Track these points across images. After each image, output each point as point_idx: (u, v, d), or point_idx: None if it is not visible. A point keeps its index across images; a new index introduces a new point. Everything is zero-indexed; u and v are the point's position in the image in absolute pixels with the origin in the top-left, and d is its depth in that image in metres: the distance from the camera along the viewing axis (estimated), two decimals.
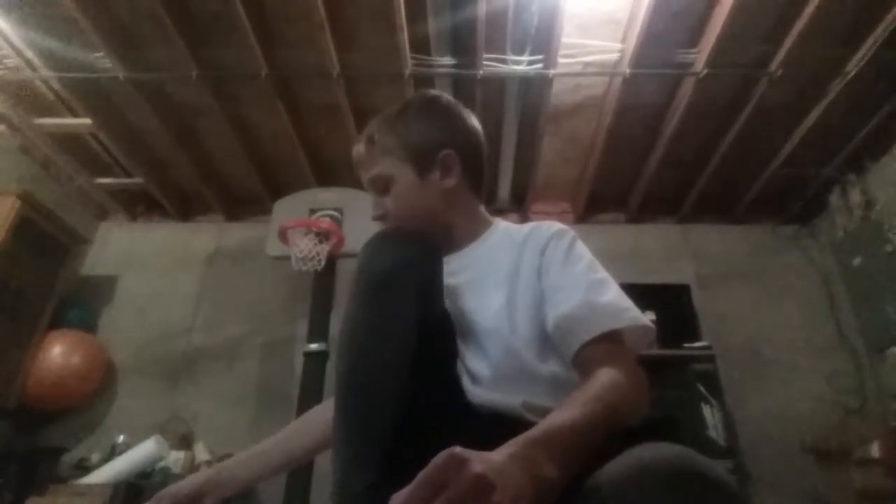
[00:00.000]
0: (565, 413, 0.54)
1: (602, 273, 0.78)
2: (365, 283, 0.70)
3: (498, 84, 2.44)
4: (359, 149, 0.91)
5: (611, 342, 0.69)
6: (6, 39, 2.29)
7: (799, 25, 2.15)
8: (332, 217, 2.64)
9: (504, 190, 3.05)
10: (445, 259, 0.81)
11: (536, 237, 0.82)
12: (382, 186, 0.88)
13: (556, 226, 0.84)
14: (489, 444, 0.61)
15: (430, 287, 0.71)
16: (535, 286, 0.77)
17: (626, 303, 0.74)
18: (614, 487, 0.44)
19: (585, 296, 0.72)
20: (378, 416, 0.62)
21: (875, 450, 2.43)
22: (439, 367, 0.71)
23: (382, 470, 0.58)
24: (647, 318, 0.72)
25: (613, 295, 0.74)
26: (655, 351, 2.58)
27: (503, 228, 0.92)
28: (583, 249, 0.81)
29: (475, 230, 0.90)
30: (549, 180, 3.17)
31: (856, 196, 2.94)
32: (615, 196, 3.28)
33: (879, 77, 2.40)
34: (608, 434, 0.54)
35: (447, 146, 0.88)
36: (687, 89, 2.46)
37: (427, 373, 0.65)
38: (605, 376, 0.62)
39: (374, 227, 0.85)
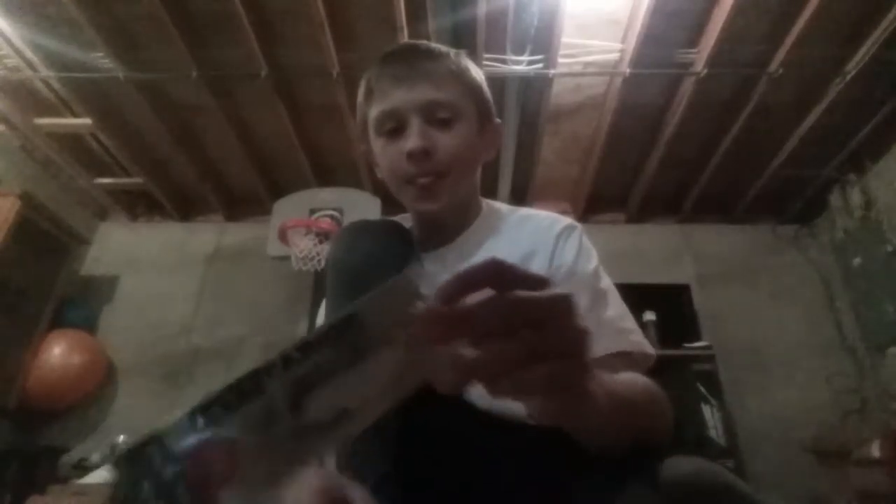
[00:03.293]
0: (627, 379, 0.53)
1: (607, 280, 0.75)
2: (342, 277, 0.67)
3: (498, 84, 2.43)
4: (432, 57, 0.76)
5: (619, 360, 0.66)
6: (6, 39, 2.29)
7: (799, 25, 2.15)
8: (332, 217, 2.64)
9: (504, 190, 3.04)
10: (437, 253, 0.79)
11: (546, 238, 0.76)
12: (443, 116, 0.74)
13: (565, 221, 0.79)
14: (489, 444, 0.61)
15: None
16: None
17: (631, 324, 0.71)
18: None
19: (592, 309, 0.68)
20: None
21: (875, 450, 2.43)
22: None
23: (385, 468, 0.58)
24: (648, 318, 0.70)
25: (619, 311, 0.71)
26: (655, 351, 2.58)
27: (495, 215, 0.86)
28: (591, 251, 0.76)
29: (470, 217, 0.85)
30: (549, 180, 3.17)
31: (856, 196, 2.94)
32: (615, 196, 3.28)
33: (879, 77, 2.40)
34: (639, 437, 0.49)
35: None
36: (687, 89, 2.46)
37: None
38: (648, 381, 0.58)
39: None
